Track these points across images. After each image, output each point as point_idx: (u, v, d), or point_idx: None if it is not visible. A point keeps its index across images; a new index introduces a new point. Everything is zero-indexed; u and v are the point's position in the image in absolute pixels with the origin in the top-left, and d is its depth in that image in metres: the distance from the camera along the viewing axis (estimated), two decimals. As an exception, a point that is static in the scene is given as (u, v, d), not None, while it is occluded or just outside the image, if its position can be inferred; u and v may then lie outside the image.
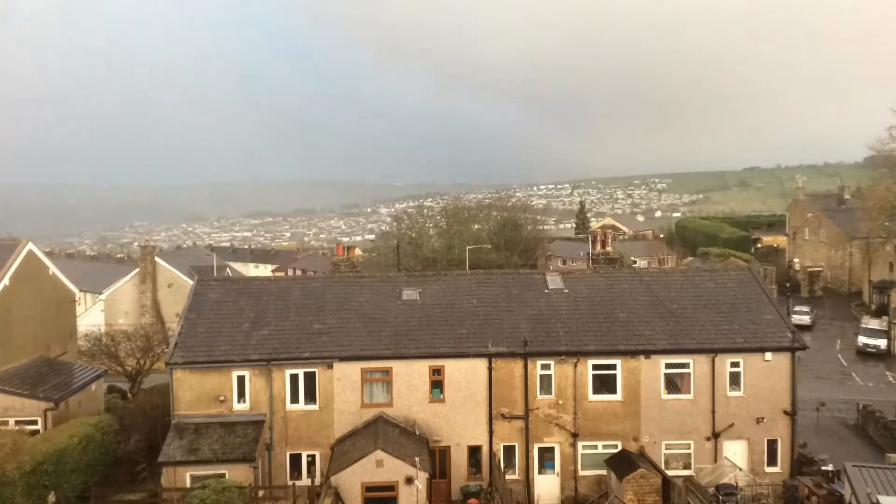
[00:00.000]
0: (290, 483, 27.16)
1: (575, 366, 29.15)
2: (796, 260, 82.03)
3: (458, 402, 28.99)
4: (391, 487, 25.36)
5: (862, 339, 53.41)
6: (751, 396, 29.42)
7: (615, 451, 29.07)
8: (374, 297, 31.45)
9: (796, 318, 56.93)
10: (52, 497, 24.49)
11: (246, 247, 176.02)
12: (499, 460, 28.75)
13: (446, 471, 28.96)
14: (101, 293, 63.71)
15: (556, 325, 30.20)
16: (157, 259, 61.15)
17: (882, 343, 52.60)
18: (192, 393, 28.13)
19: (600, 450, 29.26)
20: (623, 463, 27.79)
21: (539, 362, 29.17)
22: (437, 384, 29.00)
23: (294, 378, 28.62)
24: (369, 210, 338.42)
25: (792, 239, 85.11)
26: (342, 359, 28.69)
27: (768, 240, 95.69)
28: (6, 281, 33.02)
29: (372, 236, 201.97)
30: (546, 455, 29.47)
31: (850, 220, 69.88)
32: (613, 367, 29.36)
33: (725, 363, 29.41)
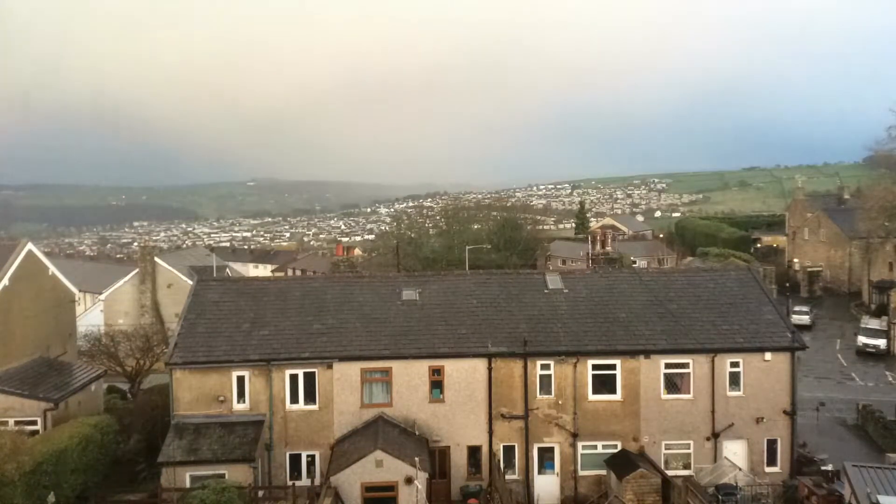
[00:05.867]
0: (289, 483, 27.17)
1: (574, 366, 29.15)
2: (796, 260, 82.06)
3: (457, 402, 28.99)
4: (391, 487, 25.36)
5: (862, 339, 53.37)
6: (750, 396, 29.43)
7: (615, 451, 29.07)
8: (374, 297, 31.44)
9: (796, 318, 56.84)
10: (51, 497, 24.49)
11: (246, 247, 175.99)
12: (498, 460, 28.74)
13: (446, 471, 28.95)
14: (100, 293, 63.63)
15: (555, 325, 30.19)
16: (156, 259, 61.08)
17: (882, 343, 52.56)
18: (191, 393, 28.12)
19: (600, 450, 29.26)
20: (623, 463, 27.80)
21: (539, 362, 29.17)
22: (436, 384, 28.99)
23: (294, 378, 28.62)
24: (369, 210, 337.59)
25: (791, 239, 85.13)
26: (342, 359, 28.69)
27: (768, 240, 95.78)
28: (6, 281, 33.02)
29: (371, 236, 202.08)
30: (546, 455, 29.47)
31: (849, 220, 69.87)
32: (613, 367, 29.36)
33: (725, 363, 29.41)
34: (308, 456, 28.68)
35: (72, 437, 26.74)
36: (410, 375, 28.87)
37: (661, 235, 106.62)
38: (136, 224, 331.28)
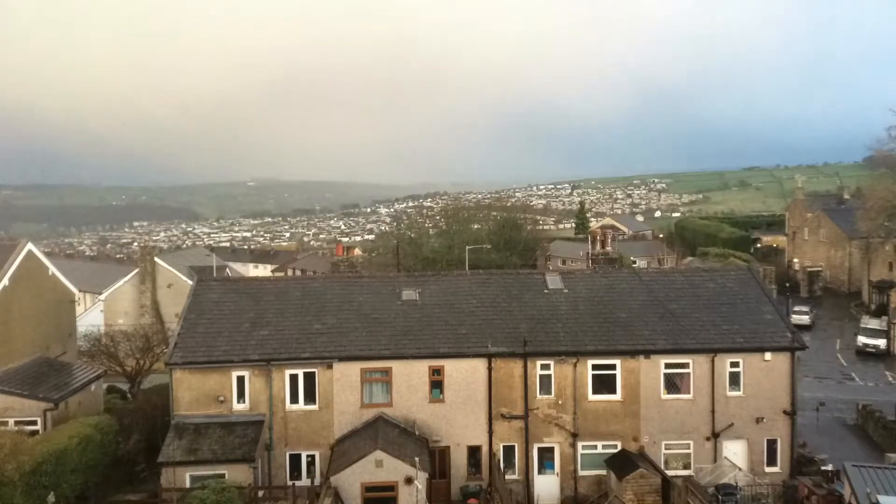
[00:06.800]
0: (289, 483, 27.17)
1: (574, 366, 29.15)
2: (796, 260, 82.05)
3: (457, 402, 28.99)
4: (391, 487, 25.35)
5: (861, 339, 53.41)
6: (750, 396, 29.42)
7: (615, 451, 29.06)
8: (374, 297, 31.44)
9: (796, 318, 56.87)
10: (51, 497, 24.48)
11: (246, 247, 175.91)
12: (498, 460, 28.74)
13: (446, 471, 28.95)
14: (100, 293, 63.59)
15: (555, 325, 30.18)
16: (156, 259, 61.02)
17: (882, 343, 52.60)
18: (191, 393, 28.12)
19: (600, 450, 29.26)
20: (623, 463, 27.79)
21: (539, 362, 29.16)
22: (436, 384, 28.99)
23: (294, 378, 28.61)
24: (369, 210, 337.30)
25: (791, 239, 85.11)
26: (342, 359, 28.69)
27: (768, 240, 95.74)
28: (6, 281, 33.04)
29: (371, 236, 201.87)
30: (546, 455, 29.47)
31: (849, 220, 69.86)
32: (613, 367, 29.36)
33: (725, 363, 29.41)
34: (308, 456, 28.67)
35: (72, 437, 26.73)
36: (410, 375, 28.86)
37: (661, 235, 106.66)
38: (136, 224, 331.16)
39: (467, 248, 62.59)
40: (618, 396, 29.35)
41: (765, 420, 29.40)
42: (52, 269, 38.29)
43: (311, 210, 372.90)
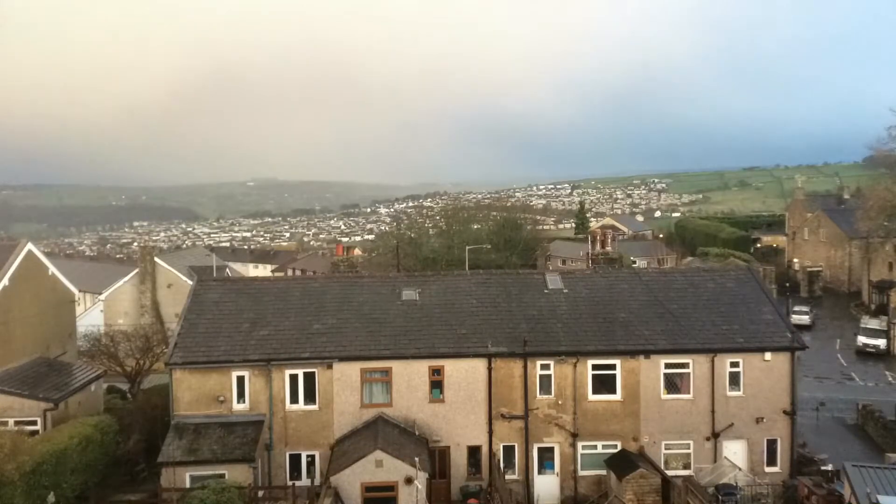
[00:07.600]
0: (289, 483, 27.17)
1: (574, 366, 29.15)
2: (796, 260, 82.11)
3: (457, 402, 28.99)
4: (391, 487, 25.35)
5: (861, 339, 53.40)
6: (750, 396, 29.43)
7: (615, 451, 29.06)
8: (374, 297, 31.44)
9: (796, 318, 56.92)
10: (51, 497, 24.49)
11: (246, 247, 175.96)
12: (498, 460, 28.74)
13: (446, 471, 28.95)
14: (100, 293, 63.54)
15: (555, 325, 30.18)
16: (156, 259, 60.96)
17: (881, 343, 52.59)
18: (191, 393, 28.12)
19: (600, 450, 29.26)
20: (623, 463, 27.80)
21: (538, 362, 29.16)
22: (436, 384, 28.98)
23: (293, 378, 28.61)
24: (369, 210, 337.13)
25: (791, 239, 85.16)
26: (342, 359, 28.69)
27: (768, 240, 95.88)
28: (6, 281, 33.06)
29: (371, 236, 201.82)
30: (545, 455, 29.46)
31: (849, 220, 69.91)
32: (613, 367, 29.35)
33: (725, 363, 29.40)
34: (308, 456, 28.67)
35: (72, 437, 26.73)
36: (410, 375, 28.86)
37: (661, 235, 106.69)
38: (136, 224, 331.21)
39: (467, 248, 62.62)
40: (618, 396, 29.35)
41: (765, 420, 29.40)
42: (52, 269, 38.32)
43: (311, 210, 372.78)
